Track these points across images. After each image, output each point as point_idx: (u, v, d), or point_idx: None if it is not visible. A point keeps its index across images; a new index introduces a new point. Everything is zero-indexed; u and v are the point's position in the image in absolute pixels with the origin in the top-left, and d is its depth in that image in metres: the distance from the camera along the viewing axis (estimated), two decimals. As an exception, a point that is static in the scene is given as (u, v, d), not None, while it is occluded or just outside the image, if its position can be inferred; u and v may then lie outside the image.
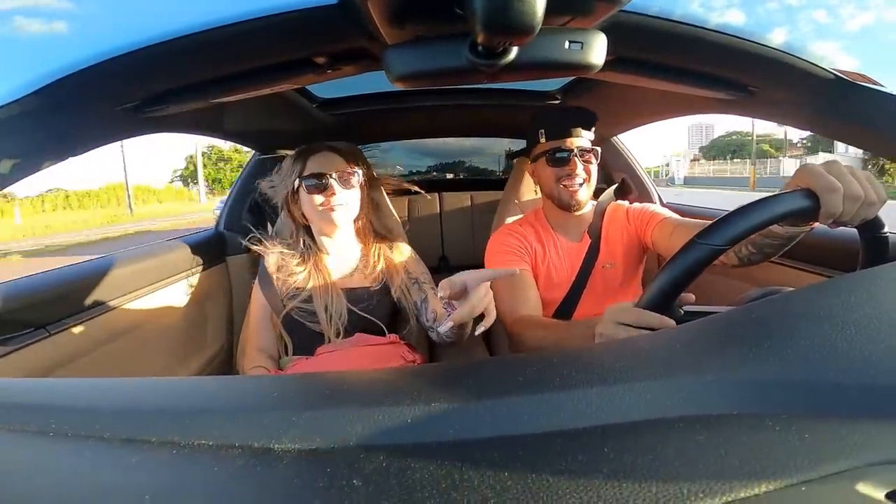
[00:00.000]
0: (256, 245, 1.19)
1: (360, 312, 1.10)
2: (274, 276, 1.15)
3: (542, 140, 1.13)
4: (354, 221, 1.20)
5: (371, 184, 1.22)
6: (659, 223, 1.12)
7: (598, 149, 1.14)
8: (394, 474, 0.27)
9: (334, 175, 1.10)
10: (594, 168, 1.13)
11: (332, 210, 1.09)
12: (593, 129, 1.14)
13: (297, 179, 1.12)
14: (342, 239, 1.19)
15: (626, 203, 1.25)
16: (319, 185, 1.09)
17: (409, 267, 1.22)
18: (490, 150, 3.04)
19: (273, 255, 1.18)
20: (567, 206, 1.13)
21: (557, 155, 1.10)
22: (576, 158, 1.09)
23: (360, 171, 1.16)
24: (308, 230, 1.19)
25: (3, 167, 0.69)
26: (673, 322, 0.53)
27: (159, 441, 0.30)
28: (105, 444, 0.31)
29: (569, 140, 1.10)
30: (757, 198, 0.54)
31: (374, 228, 1.25)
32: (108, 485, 0.27)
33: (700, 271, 0.52)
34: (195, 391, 0.38)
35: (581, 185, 1.11)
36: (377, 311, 1.13)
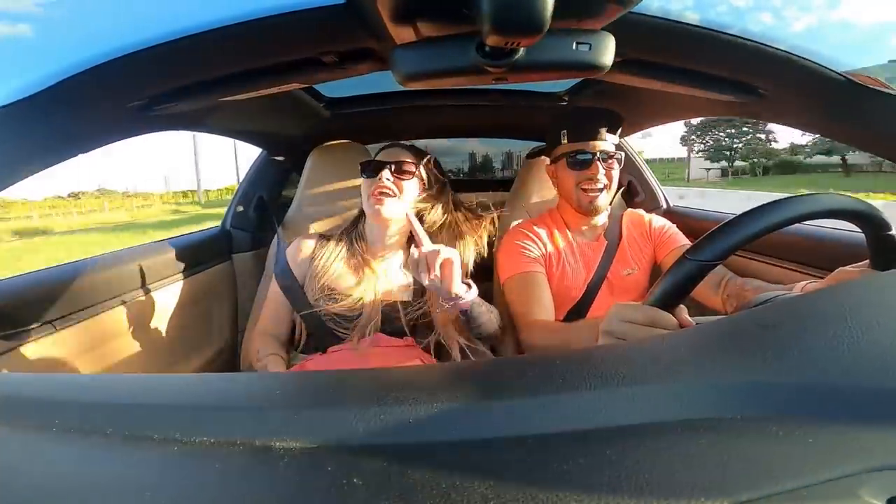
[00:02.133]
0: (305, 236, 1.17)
1: (393, 323, 1.08)
2: (297, 268, 1.12)
3: (565, 141, 1.11)
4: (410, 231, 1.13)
5: (440, 194, 1.16)
6: (674, 251, 1.14)
7: (623, 154, 1.11)
8: (395, 474, 0.27)
9: (391, 165, 1.07)
10: (616, 174, 1.11)
11: (377, 197, 1.06)
12: (618, 132, 1.12)
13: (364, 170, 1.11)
14: (393, 245, 1.15)
15: (643, 212, 1.24)
16: (373, 172, 1.08)
17: None
18: (496, 150, 3.04)
19: (302, 247, 1.15)
20: (585, 210, 1.11)
21: (579, 157, 1.08)
22: (598, 162, 1.07)
23: (424, 170, 1.12)
24: (359, 225, 1.16)
25: (13, 164, 0.70)
26: (677, 323, 0.52)
27: (161, 438, 0.31)
28: (107, 440, 0.31)
29: (592, 143, 1.07)
30: None
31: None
32: (109, 481, 0.27)
33: (705, 275, 0.52)
34: (198, 388, 0.39)
35: (601, 189, 1.09)
36: (405, 319, 1.10)
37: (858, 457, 0.25)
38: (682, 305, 0.54)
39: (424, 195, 1.13)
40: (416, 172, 1.10)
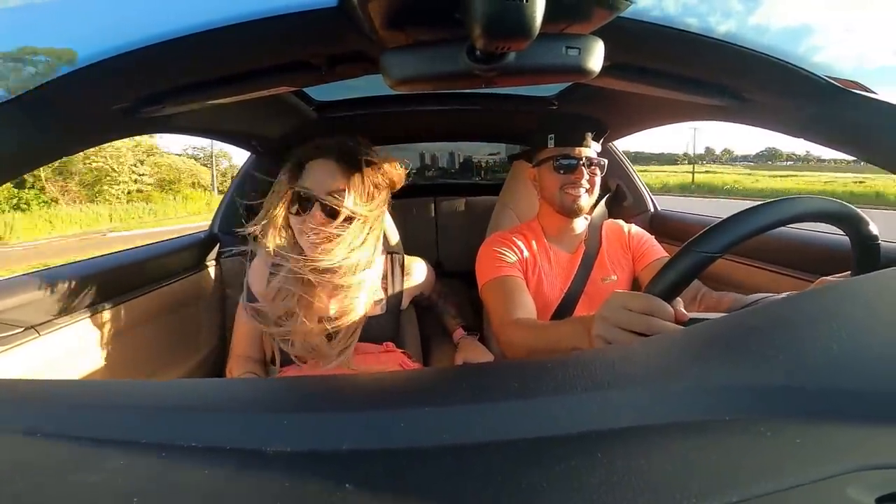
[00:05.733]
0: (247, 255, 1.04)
1: (367, 332, 1.02)
2: (259, 292, 1.04)
3: (551, 145, 1.12)
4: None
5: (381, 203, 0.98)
6: (651, 263, 1.15)
7: (605, 161, 1.14)
8: (386, 479, 0.27)
9: (323, 198, 0.87)
10: (598, 180, 1.13)
11: (315, 243, 0.88)
12: (602, 140, 1.14)
13: (288, 189, 0.92)
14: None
15: (622, 222, 1.26)
16: (302, 206, 0.89)
17: (425, 289, 1.20)
18: (486, 155, 3.05)
19: (258, 271, 1.06)
20: (568, 210, 1.12)
21: (565, 162, 1.10)
22: (583, 167, 1.09)
23: (364, 192, 0.92)
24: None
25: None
26: (673, 314, 0.53)
27: (148, 443, 0.30)
28: (93, 445, 0.30)
29: (578, 148, 1.09)
30: None
31: (385, 249, 1.05)
32: (94, 487, 0.27)
33: (706, 266, 0.53)
34: (186, 393, 0.38)
35: (584, 192, 1.11)
36: (377, 330, 1.06)
37: (847, 456, 0.26)
38: (679, 298, 0.55)
39: (367, 209, 0.93)
40: (358, 199, 0.90)
